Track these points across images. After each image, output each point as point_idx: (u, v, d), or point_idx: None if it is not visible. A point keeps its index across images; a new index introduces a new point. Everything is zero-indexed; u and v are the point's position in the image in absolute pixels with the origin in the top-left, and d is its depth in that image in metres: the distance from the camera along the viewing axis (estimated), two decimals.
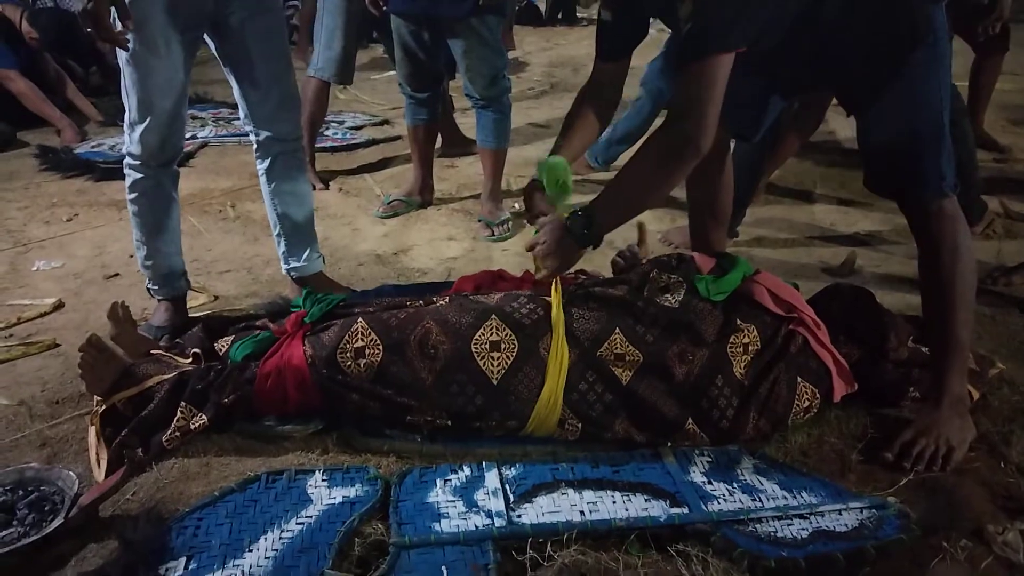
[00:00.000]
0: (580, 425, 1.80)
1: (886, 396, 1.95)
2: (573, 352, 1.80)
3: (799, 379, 1.85)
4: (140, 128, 2.10)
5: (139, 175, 2.18)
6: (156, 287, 2.31)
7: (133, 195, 2.21)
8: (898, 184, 1.85)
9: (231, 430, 1.84)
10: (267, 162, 2.32)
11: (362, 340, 1.81)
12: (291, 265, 2.46)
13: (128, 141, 2.14)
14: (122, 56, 2.03)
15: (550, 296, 1.86)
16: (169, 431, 1.77)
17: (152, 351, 1.99)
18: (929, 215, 1.80)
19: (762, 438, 1.83)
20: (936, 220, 1.80)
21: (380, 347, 1.80)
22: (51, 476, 1.66)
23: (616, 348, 1.81)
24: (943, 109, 1.77)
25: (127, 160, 2.18)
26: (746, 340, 1.86)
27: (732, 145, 2.41)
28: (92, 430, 1.79)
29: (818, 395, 1.87)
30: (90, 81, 5.18)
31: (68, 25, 4.87)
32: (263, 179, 2.36)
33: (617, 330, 1.82)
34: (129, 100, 2.08)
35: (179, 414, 1.79)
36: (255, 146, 2.32)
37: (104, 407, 1.81)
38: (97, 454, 1.75)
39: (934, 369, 1.86)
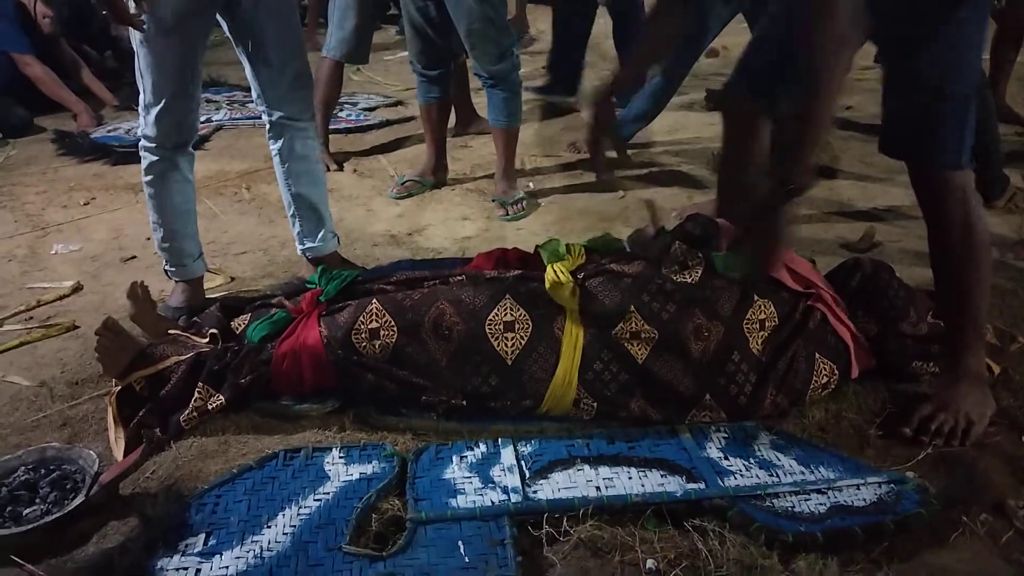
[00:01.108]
0: (595, 405, 1.80)
1: (904, 371, 1.93)
2: (588, 331, 1.80)
3: (817, 355, 1.83)
4: (155, 110, 2.10)
5: (154, 158, 2.18)
6: (173, 269, 2.32)
7: (148, 178, 2.22)
8: (917, 147, 1.77)
9: (248, 409, 1.86)
10: (280, 142, 2.32)
11: (376, 321, 1.81)
12: (306, 245, 2.46)
13: (143, 124, 2.15)
14: (136, 38, 2.03)
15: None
16: (187, 411, 1.79)
17: (170, 331, 2.00)
18: (942, 186, 1.74)
19: (780, 414, 1.82)
20: (949, 192, 1.73)
21: (394, 328, 1.80)
22: (72, 455, 1.68)
23: (632, 326, 1.80)
24: (977, 74, 1.71)
25: (142, 143, 2.18)
26: (762, 316, 1.85)
27: None
28: (110, 410, 1.81)
29: (836, 371, 1.85)
30: (105, 65, 5.19)
31: (81, 8, 4.87)
32: (276, 160, 2.36)
33: (633, 309, 1.81)
34: (143, 82, 2.08)
35: (196, 395, 1.80)
36: (268, 127, 2.32)
37: (121, 387, 1.82)
38: (115, 434, 1.77)
39: (950, 345, 1.83)
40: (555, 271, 1.85)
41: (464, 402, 1.80)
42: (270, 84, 2.22)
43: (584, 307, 1.82)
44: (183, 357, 1.86)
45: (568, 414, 1.82)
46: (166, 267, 2.33)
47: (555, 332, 1.80)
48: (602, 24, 4.32)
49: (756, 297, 1.86)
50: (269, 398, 1.86)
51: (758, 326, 1.84)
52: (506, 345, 1.79)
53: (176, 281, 2.34)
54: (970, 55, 1.71)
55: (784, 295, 1.89)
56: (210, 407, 1.80)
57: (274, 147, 2.34)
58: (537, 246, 2.03)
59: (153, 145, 2.16)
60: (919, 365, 1.93)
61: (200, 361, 1.84)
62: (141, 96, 2.11)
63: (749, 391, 1.79)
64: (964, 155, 1.73)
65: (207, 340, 1.94)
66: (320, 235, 2.45)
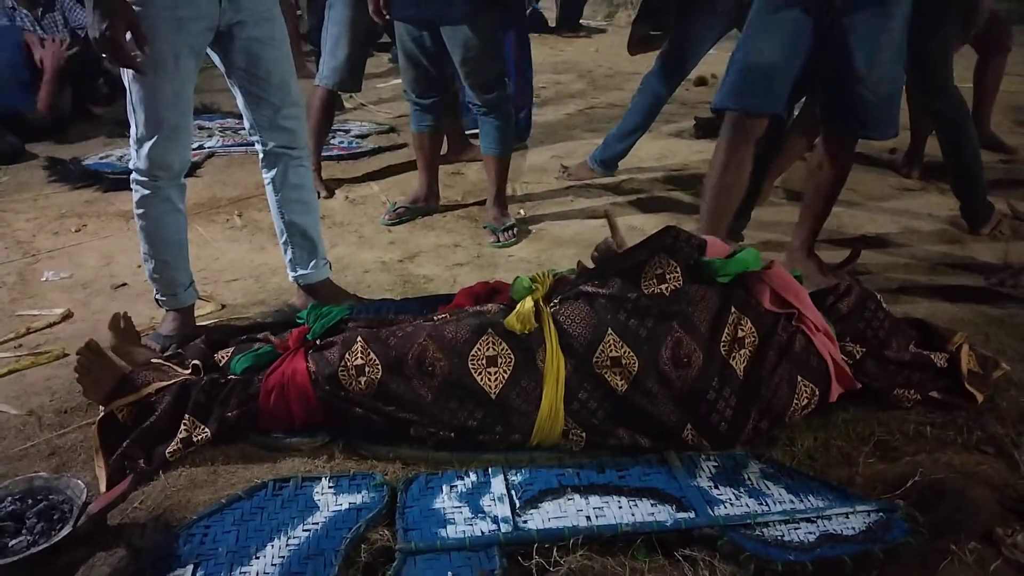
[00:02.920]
0: (584, 435, 1.80)
1: (886, 398, 1.95)
2: (569, 362, 1.80)
3: (799, 378, 1.84)
4: (148, 144, 2.10)
5: (146, 191, 2.18)
6: (164, 298, 2.32)
7: (140, 211, 2.21)
8: (872, 124, 2.37)
9: (237, 440, 1.85)
10: (273, 171, 2.33)
11: (361, 358, 1.82)
12: (298, 272, 2.47)
13: (135, 157, 2.15)
14: (128, 74, 2.03)
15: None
16: (172, 444, 1.78)
17: (152, 360, 2.00)
18: (850, 150, 2.47)
19: (762, 439, 1.82)
20: (851, 152, 2.50)
21: (379, 366, 1.81)
22: (60, 485, 1.67)
23: (611, 351, 1.80)
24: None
25: (134, 176, 2.18)
26: (740, 333, 1.85)
27: None
28: (95, 440, 1.80)
29: (817, 392, 1.86)
30: (98, 92, 5.22)
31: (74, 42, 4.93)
32: (269, 188, 2.38)
33: (609, 331, 1.81)
34: (136, 116, 2.09)
35: (183, 426, 1.79)
36: (261, 156, 2.33)
37: (103, 415, 1.81)
38: (97, 464, 1.76)
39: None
40: (515, 316, 1.83)
41: (452, 434, 1.81)
42: (263, 114, 2.24)
43: (563, 336, 1.82)
44: (166, 384, 1.85)
45: (558, 445, 1.82)
46: (157, 296, 2.33)
47: (537, 364, 1.80)
48: None
49: (734, 309, 1.86)
50: (256, 432, 1.85)
51: (737, 345, 1.84)
52: (489, 380, 1.80)
53: (167, 310, 2.34)
54: (902, 37, 2.29)
55: (762, 311, 1.89)
56: (195, 439, 1.79)
57: (267, 175, 2.36)
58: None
59: (145, 179, 2.16)
60: (901, 392, 1.94)
61: (186, 391, 1.83)
62: (133, 130, 2.11)
63: (730, 417, 1.80)
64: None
65: (189, 371, 1.93)
66: (312, 263, 2.45)
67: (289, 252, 2.45)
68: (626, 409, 1.79)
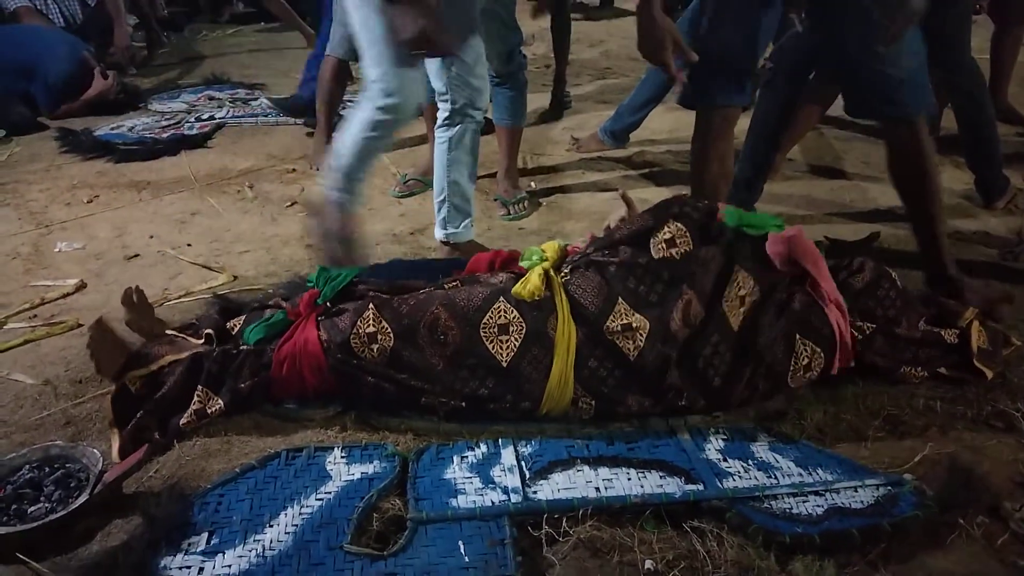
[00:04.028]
0: (593, 403, 1.81)
1: (893, 375, 1.95)
2: (580, 329, 1.81)
3: (797, 335, 1.84)
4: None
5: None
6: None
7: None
8: (904, 100, 2.14)
9: (248, 414, 1.86)
10: (452, 131, 2.45)
11: (373, 326, 1.82)
12: (448, 231, 2.57)
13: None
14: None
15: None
16: (186, 415, 1.79)
17: (167, 332, 2.01)
18: (918, 129, 2.15)
19: (761, 400, 1.84)
20: (922, 133, 2.16)
21: (391, 333, 1.82)
22: (76, 454, 1.69)
23: (622, 318, 1.81)
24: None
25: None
26: (742, 291, 1.86)
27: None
28: (109, 412, 1.82)
29: (821, 356, 1.86)
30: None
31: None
32: (444, 145, 2.47)
33: (620, 299, 1.82)
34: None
35: (196, 398, 1.81)
36: (447, 114, 2.43)
37: (116, 388, 1.83)
38: (111, 436, 1.79)
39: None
40: (522, 285, 1.84)
41: (463, 403, 1.82)
42: (454, 72, 2.34)
43: (573, 305, 1.83)
44: (179, 357, 1.87)
45: (568, 413, 1.83)
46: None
47: (548, 332, 1.81)
48: None
49: (737, 266, 1.87)
50: (269, 402, 1.87)
51: (739, 302, 1.85)
52: (501, 348, 1.81)
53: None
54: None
55: (770, 271, 1.89)
56: (209, 411, 1.81)
57: (444, 134, 2.46)
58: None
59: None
60: (908, 370, 1.94)
61: (198, 362, 1.84)
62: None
63: (724, 372, 1.81)
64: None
65: (203, 341, 1.94)
66: (463, 223, 2.57)
67: (443, 211, 2.55)
68: (636, 375, 1.81)
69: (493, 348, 1.80)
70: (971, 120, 3.00)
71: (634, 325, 1.80)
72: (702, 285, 1.84)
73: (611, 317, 1.81)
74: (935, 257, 2.27)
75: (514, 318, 1.82)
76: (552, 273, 1.87)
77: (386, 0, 1.98)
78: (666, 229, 1.88)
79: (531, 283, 1.83)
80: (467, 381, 1.81)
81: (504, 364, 1.80)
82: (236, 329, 1.99)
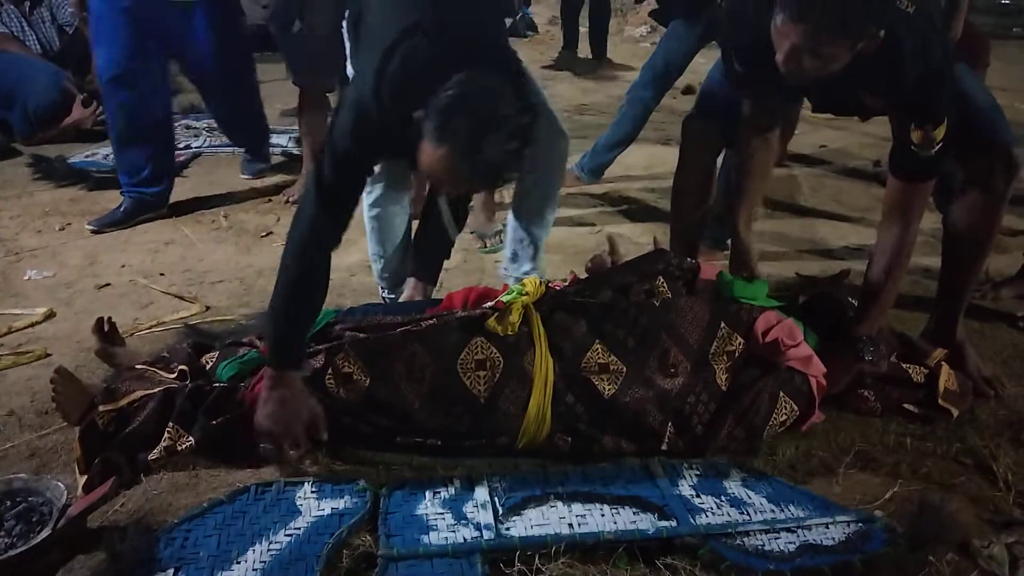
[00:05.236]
0: (569, 439, 1.81)
1: (844, 397, 1.99)
2: (557, 364, 1.82)
3: (782, 394, 1.86)
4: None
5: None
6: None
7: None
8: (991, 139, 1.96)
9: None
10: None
11: (349, 366, 1.81)
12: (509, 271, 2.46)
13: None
14: None
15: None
16: (155, 451, 1.76)
17: (137, 366, 1.99)
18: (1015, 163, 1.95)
19: (737, 447, 1.84)
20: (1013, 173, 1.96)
21: (366, 374, 1.81)
22: (39, 487, 1.66)
23: (599, 358, 1.82)
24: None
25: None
26: (730, 347, 1.89)
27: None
28: (76, 448, 1.78)
29: (797, 410, 1.88)
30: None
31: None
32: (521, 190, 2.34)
33: (598, 340, 1.84)
34: None
35: (166, 435, 1.77)
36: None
37: (84, 425, 1.79)
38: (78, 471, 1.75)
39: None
40: (495, 320, 1.84)
41: (439, 442, 1.81)
42: None
43: (551, 340, 1.83)
44: (149, 392, 1.84)
45: (544, 447, 1.82)
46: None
47: (526, 367, 1.81)
48: None
49: (723, 324, 1.89)
50: (241, 441, 1.81)
51: (726, 358, 1.88)
52: (479, 383, 1.80)
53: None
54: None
55: (751, 344, 1.91)
56: (179, 448, 1.77)
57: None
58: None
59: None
60: (862, 393, 1.98)
61: (170, 398, 1.81)
62: None
63: (707, 420, 1.83)
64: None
65: (175, 376, 1.92)
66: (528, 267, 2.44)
67: (510, 250, 2.44)
68: (612, 413, 1.81)
69: (470, 384, 1.80)
70: None
71: (611, 367, 1.82)
72: (681, 335, 1.86)
73: (588, 355, 1.82)
74: (952, 322, 2.15)
75: (491, 353, 1.81)
76: (531, 308, 1.88)
77: None
78: (647, 283, 1.94)
79: (508, 317, 1.83)
80: (443, 418, 1.80)
81: (482, 400, 1.79)
82: (209, 365, 1.96)
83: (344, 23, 2.22)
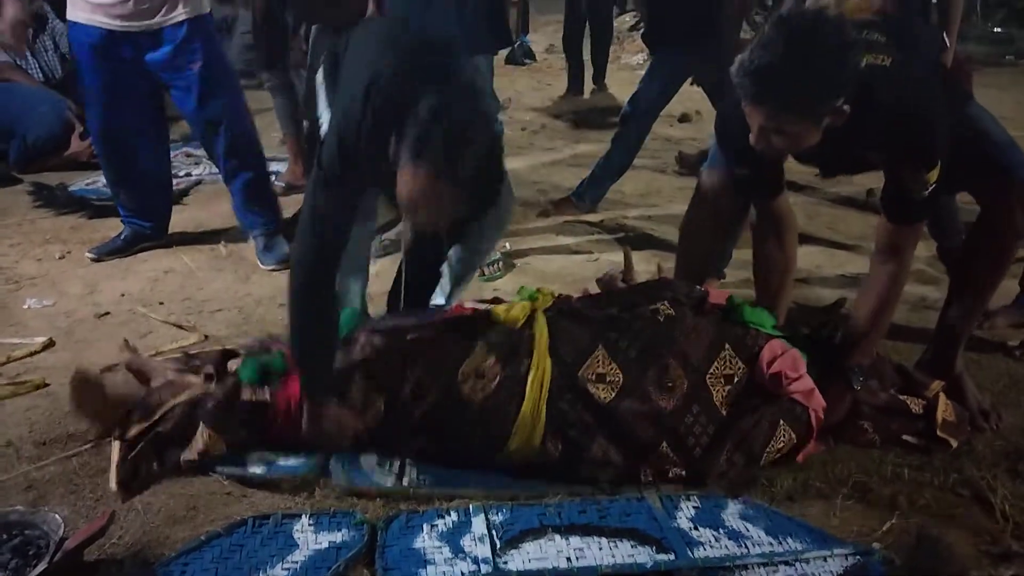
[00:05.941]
0: (560, 445, 1.83)
1: (842, 427, 1.99)
2: (556, 367, 1.85)
3: (781, 422, 1.87)
4: None
5: None
6: None
7: None
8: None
9: (215, 476, 1.85)
10: None
11: (363, 394, 1.88)
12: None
13: None
14: None
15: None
16: (188, 452, 1.82)
17: (168, 373, 2.00)
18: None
19: (735, 473, 1.84)
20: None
21: (382, 401, 1.88)
22: (36, 520, 1.65)
23: (598, 367, 1.85)
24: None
25: None
26: (729, 371, 1.89)
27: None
28: (115, 448, 1.83)
29: (795, 438, 1.88)
30: None
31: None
32: None
33: (600, 347, 1.86)
34: None
35: (197, 437, 1.83)
36: None
37: (122, 448, 1.83)
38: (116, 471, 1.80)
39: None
40: (503, 309, 1.93)
41: (436, 445, 1.87)
42: None
43: (553, 344, 1.87)
44: (178, 400, 1.88)
45: (536, 452, 1.83)
46: None
47: (523, 372, 1.85)
48: None
49: (727, 346, 1.90)
50: (266, 444, 1.89)
51: (724, 380, 1.89)
52: (476, 390, 1.84)
53: None
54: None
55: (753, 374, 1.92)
56: (211, 451, 1.83)
57: None
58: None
59: None
60: (861, 424, 1.98)
61: (200, 402, 1.87)
62: None
63: (705, 443, 1.84)
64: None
65: (203, 379, 1.95)
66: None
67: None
68: (606, 421, 1.83)
69: (468, 391, 1.84)
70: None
71: (608, 378, 1.84)
72: (683, 352, 1.88)
73: (588, 363, 1.85)
74: (952, 354, 2.13)
75: (491, 362, 1.86)
76: (539, 311, 1.93)
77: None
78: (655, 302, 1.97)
79: (515, 309, 1.89)
80: (439, 423, 1.86)
81: (477, 406, 1.83)
82: (235, 369, 1.99)
83: (319, 72, 2.15)
